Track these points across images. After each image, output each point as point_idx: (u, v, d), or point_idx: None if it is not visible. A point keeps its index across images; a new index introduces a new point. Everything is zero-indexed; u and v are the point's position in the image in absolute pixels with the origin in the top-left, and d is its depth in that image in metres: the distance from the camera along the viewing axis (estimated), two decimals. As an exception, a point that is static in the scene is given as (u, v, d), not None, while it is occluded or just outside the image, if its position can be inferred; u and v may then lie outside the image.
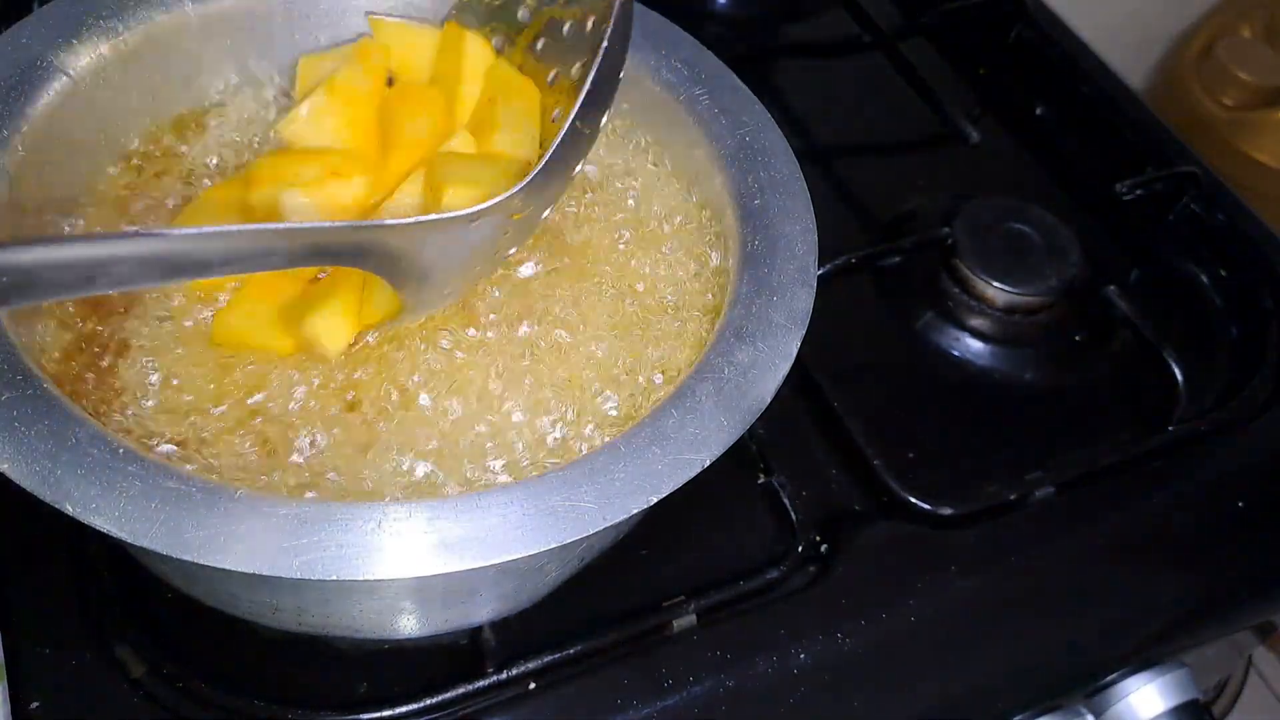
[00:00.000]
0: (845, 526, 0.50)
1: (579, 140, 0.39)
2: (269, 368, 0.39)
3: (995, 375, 0.59)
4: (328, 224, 0.35)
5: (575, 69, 0.41)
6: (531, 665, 0.44)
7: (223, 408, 0.38)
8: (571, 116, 0.38)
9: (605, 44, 0.38)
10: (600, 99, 0.39)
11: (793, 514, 0.50)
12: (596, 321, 0.43)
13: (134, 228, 0.31)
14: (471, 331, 0.41)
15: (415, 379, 0.40)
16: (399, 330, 0.41)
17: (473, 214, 0.35)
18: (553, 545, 0.33)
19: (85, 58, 0.42)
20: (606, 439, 0.38)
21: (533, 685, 0.44)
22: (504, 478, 0.38)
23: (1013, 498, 0.52)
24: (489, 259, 0.40)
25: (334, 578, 0.32)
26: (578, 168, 0.40)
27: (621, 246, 0.45)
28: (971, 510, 0.51)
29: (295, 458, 0.37)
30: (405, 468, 0.38)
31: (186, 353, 0.39)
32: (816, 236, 0.43)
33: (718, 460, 0.36)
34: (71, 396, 0.35)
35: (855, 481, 0.52)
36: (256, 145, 0.46)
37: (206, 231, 0.30)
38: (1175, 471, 0.54)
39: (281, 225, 0.33)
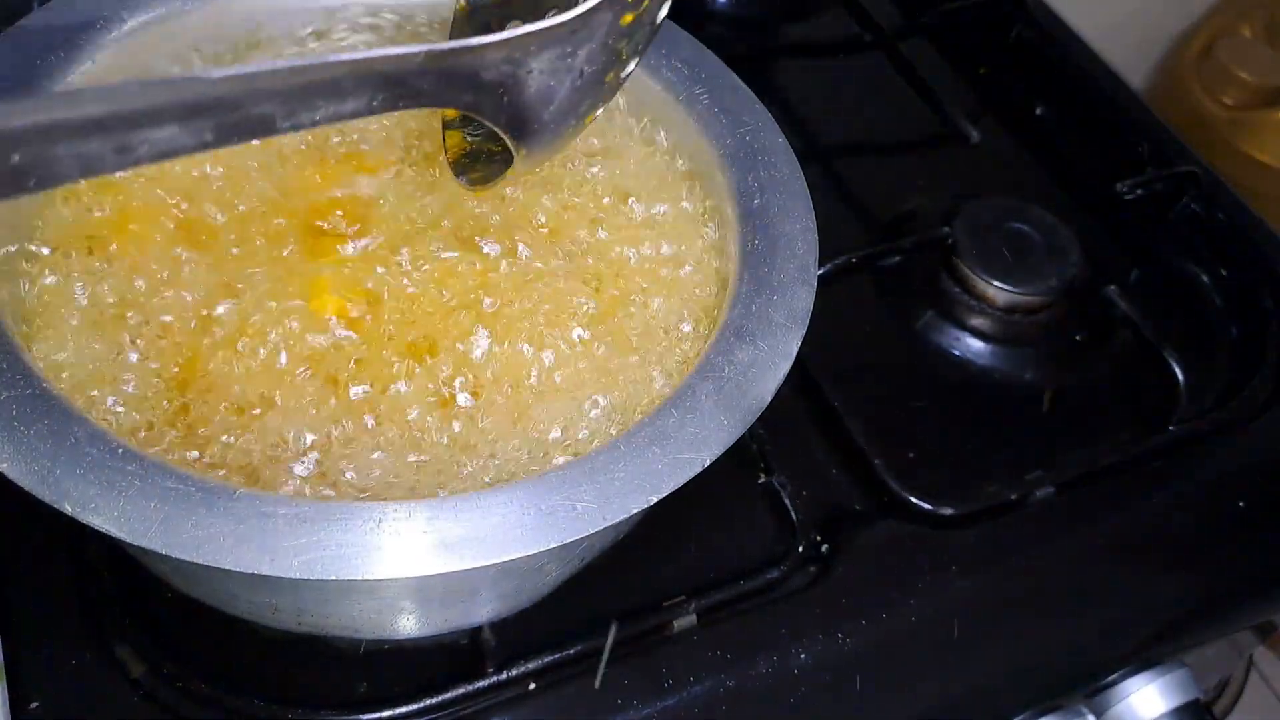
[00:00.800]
0: (845, 526, 0.50)
1: None
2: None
3: (995, 375, 0.59)
4: (403, 49, 0.28)
5: None
6: (531, 665, 0.44)
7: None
8: None
9: None
10: None
11: (793, 514, 0.50)
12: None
13: (161, 79, 0.24)
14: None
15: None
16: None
17: (576, 18, 0.30)
18: (553, 545, 0.33)
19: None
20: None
21: (533, 685, 0.44)
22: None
23: (1013, 498, 0.52)
24: (599, 85, 0.34)
25: (333, 577, 0.32)
26: None
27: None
28: (971, 510, 0.51)
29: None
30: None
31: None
32: (816, 236, 0.43)
33: (718, 460, 0.36)
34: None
35: (855, 481, 0.52)
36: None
37: (254, 70, 0.24)
38: (1175, 471, 0.54)
39: (348, 56, 0.26)
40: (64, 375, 0.37)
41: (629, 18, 0.32)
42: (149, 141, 0.23)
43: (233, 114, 0.24)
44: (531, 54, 0.30)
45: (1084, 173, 0.69)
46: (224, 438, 0.36)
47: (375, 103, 0.27)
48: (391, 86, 0.27)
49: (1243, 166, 1.12)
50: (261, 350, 0.38)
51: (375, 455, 0.37)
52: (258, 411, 0.37)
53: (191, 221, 0.42)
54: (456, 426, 0.38)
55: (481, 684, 0.43)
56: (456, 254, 0.42)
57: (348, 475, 0.36)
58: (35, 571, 0.44)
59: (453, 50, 0.29)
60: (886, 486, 0.51)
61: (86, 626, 0.43)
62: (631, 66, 0.35)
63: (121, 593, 0.43)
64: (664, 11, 0.34)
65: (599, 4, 0.30)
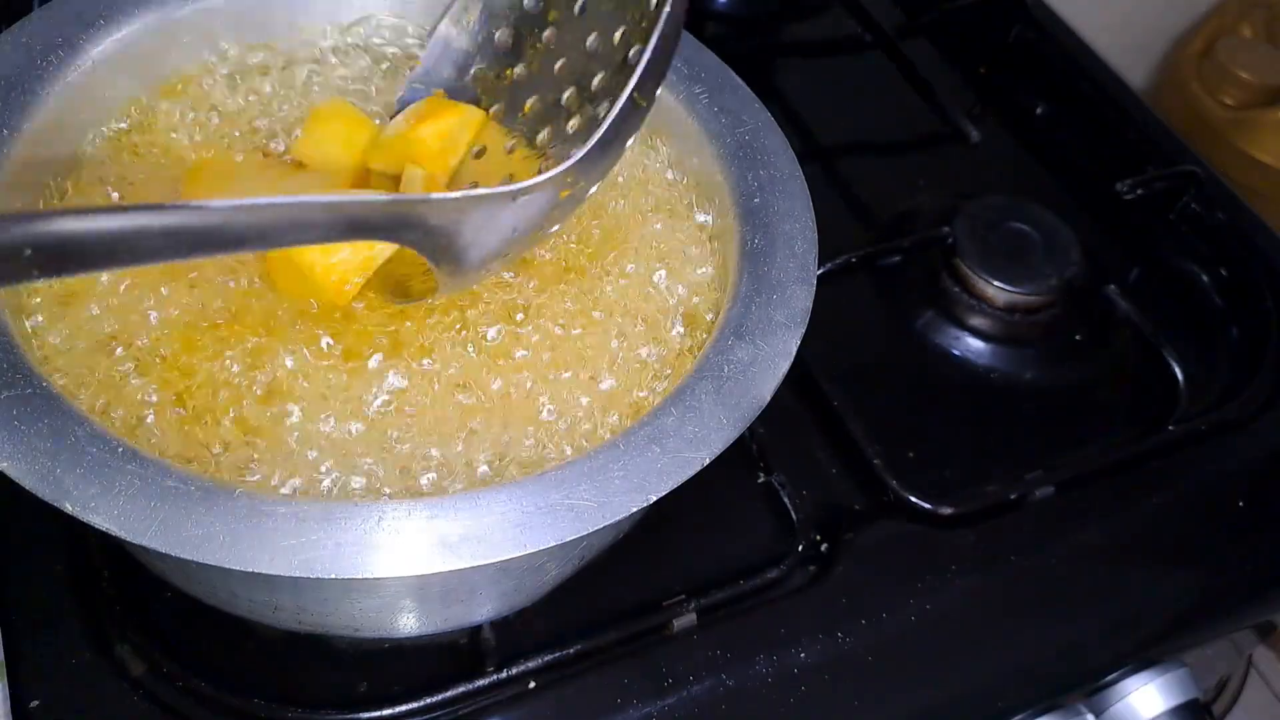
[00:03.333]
0: (845, 526, 0.50)
1: (633, 114, 0.38)
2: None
3: (995, 375, 0.59)
4: (367, 196, 0.34)
5: (630, 51, 0.40)
6: (531, 664, 0.44)
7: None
8: (628, 89, 0.36)
9: (668, 9, 0.37)
10: (657, 70, 0.38)
11: (793, 513, 0.50)
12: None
13: (169, 203, 0.30)
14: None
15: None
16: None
17: (517, 190, 0.35)
18: (552, 544, 0.33)
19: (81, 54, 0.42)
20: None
21: (533, 684, 0.44)
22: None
23: (1013, 498, 0.52)
24: (530, 237, 0.39)
25: (333, 576, 0.32)
26: (630, 141, 0.39)
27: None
28: (971, 510, 0.51)
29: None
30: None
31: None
32: (816, 235, 0.43)
33: (717, 459, 0.36)
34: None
35: (855, 481, 0.52)
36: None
37: (241, 205, 0.29)
38: (1175, 471, 0.54)
39: (320, 198, 0.31)
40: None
41: (566, 193, 0.37)
42: (134, 250, 0.28)
43: (212, 236, 0.29)
44: (474, 211, 0.35)
45: (1084, 173, 0.69)
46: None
47: (335, 234, 0.33)
48: (355, 226, 0.33)
49: (1243, 166, 1.12)
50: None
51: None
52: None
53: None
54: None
55: (481, 683, 0.43)
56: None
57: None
58: (35, 571, 0.44)
59: (410, 201, 0.35)
60: (886, 486, 0.51)
61: (86, 626, 0.43)
62: (555, 228, 0.40)
63: (121, 592, 0.44)
64: (594, 189, 0.40)
65: (543, 180, 0.35)
